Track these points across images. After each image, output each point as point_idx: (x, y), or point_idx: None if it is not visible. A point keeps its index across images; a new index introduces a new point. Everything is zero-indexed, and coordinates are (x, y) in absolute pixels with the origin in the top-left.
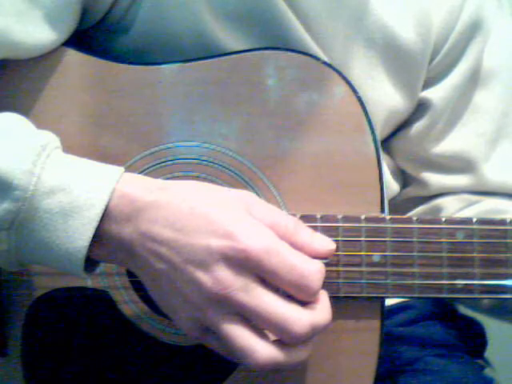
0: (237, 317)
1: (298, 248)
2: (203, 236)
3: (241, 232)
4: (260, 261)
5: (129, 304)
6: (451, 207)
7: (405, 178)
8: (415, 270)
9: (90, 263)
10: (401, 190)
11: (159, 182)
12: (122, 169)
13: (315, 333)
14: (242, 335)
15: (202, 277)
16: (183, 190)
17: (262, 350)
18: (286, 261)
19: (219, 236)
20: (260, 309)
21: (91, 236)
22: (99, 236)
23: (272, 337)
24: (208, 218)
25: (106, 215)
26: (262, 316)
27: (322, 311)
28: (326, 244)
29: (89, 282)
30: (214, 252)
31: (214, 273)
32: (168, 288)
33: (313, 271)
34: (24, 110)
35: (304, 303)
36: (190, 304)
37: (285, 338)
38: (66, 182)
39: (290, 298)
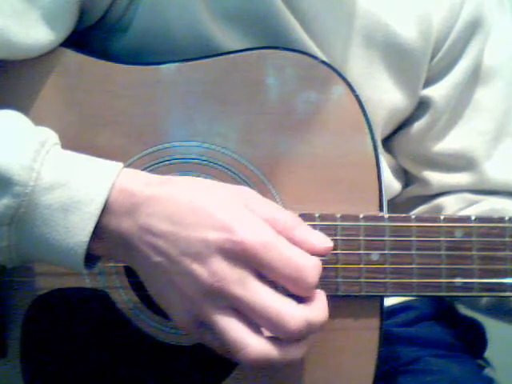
0: (231, 310)
1: (295, 243)
2: (201, 229)
3: (238, 225)
4: (256, 254)
5: (128, 304)
6: (452, 207)
7: (406, 177)
8: (414, 268)
9: (90, 258)
10: (402, 189)
11: (158, 176)
12: (120, 164)
13: (310, 330)
14: (235, 329)
15: (198, 269)
16: (182, 184)
17: (255, 344)
18: (282, 254)
19: (216, 229)
20: (255, 302)
21: (91, 231)
22: (99, 231)
23: (267, 333)
24: (206, 211)
25: (105, 210)
26: (257, 310)
27: (318, 309)
28: (324, 241)
29: (88, 282)
30: (210, 244)
31: (209, 265)
32: (164, 281)
33: (309, 265)
34: (22, 110)
35: (300, 300)
36: (185, 297)
37: (279, 334)
38: (66, 177)
39: (287, 295)
